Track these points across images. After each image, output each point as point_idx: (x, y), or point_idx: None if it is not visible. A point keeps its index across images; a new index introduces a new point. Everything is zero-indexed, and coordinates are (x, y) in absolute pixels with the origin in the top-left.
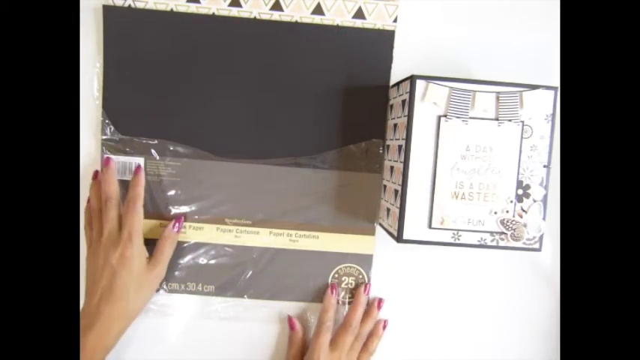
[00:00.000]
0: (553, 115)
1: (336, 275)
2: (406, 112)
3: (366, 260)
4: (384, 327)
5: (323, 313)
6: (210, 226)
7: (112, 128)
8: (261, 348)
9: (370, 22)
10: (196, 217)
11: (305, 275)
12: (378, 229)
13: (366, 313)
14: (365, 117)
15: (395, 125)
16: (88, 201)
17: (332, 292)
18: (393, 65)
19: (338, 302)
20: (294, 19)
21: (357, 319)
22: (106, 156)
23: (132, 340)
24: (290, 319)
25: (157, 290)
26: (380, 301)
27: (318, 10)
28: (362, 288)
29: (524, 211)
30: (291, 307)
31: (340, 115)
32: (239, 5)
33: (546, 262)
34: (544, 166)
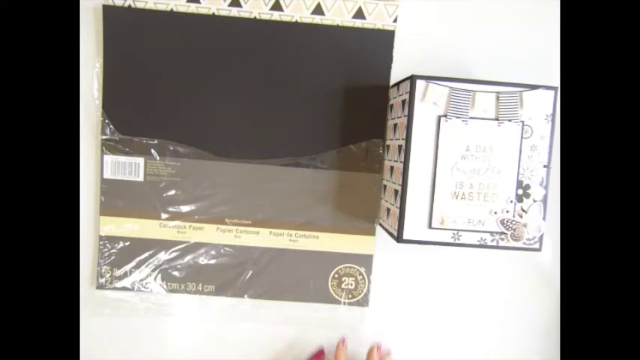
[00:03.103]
0: (553, 115)
1: (336, 275)
2: (406, 112)
3: (366, 260)
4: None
5: None
6: (210, 226)
7: (112, 128)
8: (260, 348)
9: (370, 22)
10: (196, 217)
11: (305, 275)
12: (378, 229)
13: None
14: (365, 117)
15: (395, 125)
16: None
17: (342, 345)
18: (393, 65)
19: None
20: (294, 19)
21: None
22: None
23: (132, 340)
24: (321, 351)
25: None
26: (379, 347)
27: (318, 10)
28: (375, 349)
29: (524, 211)
30: (290, 307)
31: (340, 115)
32: (239, 5)
33: (546, 262)
34: (544, 166)
